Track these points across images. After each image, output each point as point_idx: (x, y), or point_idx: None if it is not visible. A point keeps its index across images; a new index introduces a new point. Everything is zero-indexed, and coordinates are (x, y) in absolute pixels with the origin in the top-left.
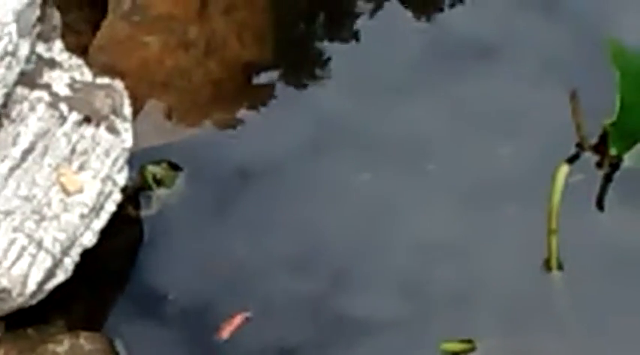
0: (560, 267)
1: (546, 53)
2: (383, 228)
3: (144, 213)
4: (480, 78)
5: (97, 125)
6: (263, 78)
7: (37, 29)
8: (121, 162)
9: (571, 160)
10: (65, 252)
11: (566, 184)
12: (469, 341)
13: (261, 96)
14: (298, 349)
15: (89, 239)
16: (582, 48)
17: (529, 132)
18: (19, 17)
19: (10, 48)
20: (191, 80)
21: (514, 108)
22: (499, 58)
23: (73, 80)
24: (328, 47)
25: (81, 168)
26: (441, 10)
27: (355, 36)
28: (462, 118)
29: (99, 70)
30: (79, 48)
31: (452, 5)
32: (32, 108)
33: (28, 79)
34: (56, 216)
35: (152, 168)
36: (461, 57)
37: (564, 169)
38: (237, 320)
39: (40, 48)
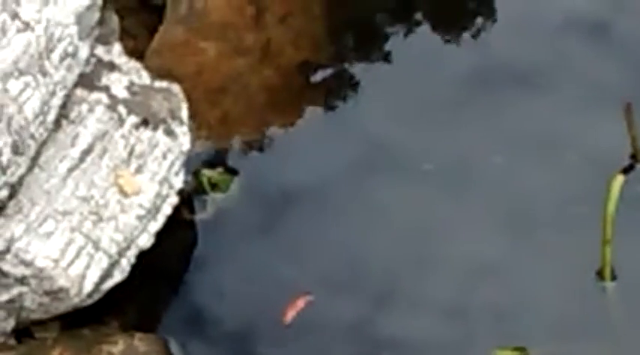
0: (613, 277)
1: (596, 73)
2: (437, 239)
3: (199, 216)
4: (535, 97)
5: (155, 128)
6: (318, 84)
7: (97, 32)
8: (177, 165)
9: (626, 171)
10: (122, 252)
11: (621, 195)
12: (522, 349)
13: (316, 103)
14: None
15: (145, 240)
16: (632, 67)
17: (583, 145)
18: (79, 19)
19: (70, 49)
20: (246, 86)
21: (567, 125)
22: (548, 79)
23: (132, 83)
24: (382, 60)
25: (138, 170)
26: (489, 32)
27: (415, 53)
28: (513, 135)
29: (155, 74)
30: (135, 52)
31: (501, 30)
32: (91, 110)
33: (87, 80)
34: (114, 217)
35: (208, 172)
36: (511, 78)
37: (619, 180)
38: (301, 303)
39: (99, 50)
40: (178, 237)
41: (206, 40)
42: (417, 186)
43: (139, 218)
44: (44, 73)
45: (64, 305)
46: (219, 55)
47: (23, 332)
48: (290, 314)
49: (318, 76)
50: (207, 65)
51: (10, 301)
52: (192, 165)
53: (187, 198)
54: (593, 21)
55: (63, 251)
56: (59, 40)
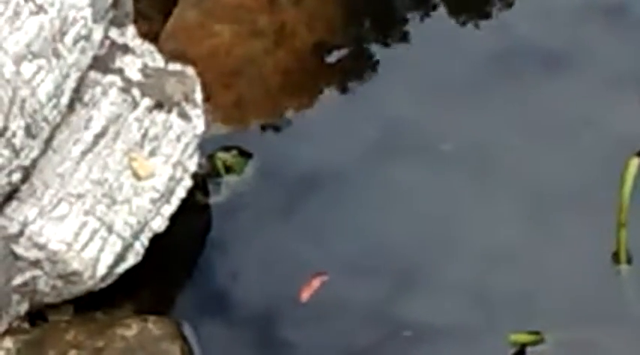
0: (628, 261)
1: (615, 56)
2: (455, 222)
3: (213, 199)
4: (553, 79)
5: (169, 111)
6: (333, 65)
7: (111, 14)
8: (191, 148)
9: None
10: (135, 236)
11: (637, 178)
12: (537, 333)
13: (331, 85)
14: (360, 350)
15: (159, 224)
16: None
17: (601, 128)
18: (94, 2)
19: (84, 32)
20: (261, 68)
21: (585, 108)
22: (566, 61)
23: (146, 66)
24: (399, 42)
25: (152, 153)
26: (508, 15)
27: (430, 35)
28: (530, 118)
29: (169, 56)
30: (149, 34)
31: (520, 12)
32: (105, 93)
33: (101, 63)
34: (127, 201)
35: (222, 155)
36: (529, 61)
37: (635, 163)
38: (316, 282)
39: (113, 33)
40: (192, 220)
41: (220, 23)
42: (435, 168)
43: (153, 201)
44: (58, 56)
45: (78, 288)
46: (233, 38)
47: (37, 315)
48: (305, 295)
49: (333, 58)
50: (221, 48)
51: (24, 284)
52: (207, 148)
53: (201, 181)
54: (613, 3)
55: (76, 234)
56: (73, 22)
